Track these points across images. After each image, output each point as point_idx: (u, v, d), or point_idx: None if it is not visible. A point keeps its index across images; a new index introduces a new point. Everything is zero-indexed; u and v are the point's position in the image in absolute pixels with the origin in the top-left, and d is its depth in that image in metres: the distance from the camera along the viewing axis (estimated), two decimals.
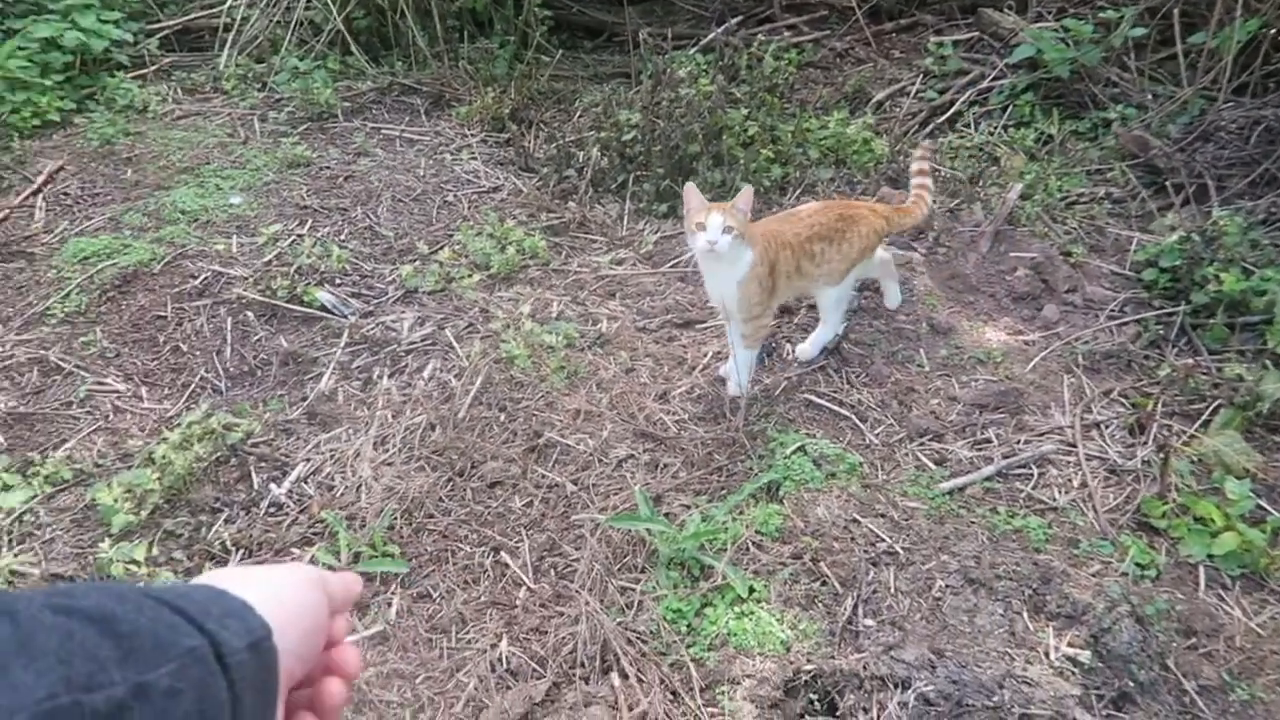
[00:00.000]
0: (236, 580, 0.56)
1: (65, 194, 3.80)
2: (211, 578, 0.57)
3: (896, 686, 1.91)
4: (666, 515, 2.32)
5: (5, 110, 4.18)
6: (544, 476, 2.50)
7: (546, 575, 2.25)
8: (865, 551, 2.22)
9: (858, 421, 2.64)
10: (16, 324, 3.06)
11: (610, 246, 3.56)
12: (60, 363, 2.90)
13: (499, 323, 3.04)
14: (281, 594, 0.58)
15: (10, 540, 2.35)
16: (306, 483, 2.53)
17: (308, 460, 2.59)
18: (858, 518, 2.30)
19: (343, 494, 2.48)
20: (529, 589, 2.22)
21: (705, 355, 2.91)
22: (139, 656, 0.46)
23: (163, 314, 3.11)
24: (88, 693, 0.43)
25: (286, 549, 2.33)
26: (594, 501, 2.42)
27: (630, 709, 1.91)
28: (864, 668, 1.94)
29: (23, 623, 0.43)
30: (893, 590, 2.13)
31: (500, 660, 2.06)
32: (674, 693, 1.96)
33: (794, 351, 2.88)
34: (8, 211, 3.64)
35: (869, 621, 2.06)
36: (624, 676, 1.98)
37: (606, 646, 2.03)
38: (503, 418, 2.69)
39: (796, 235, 2.56)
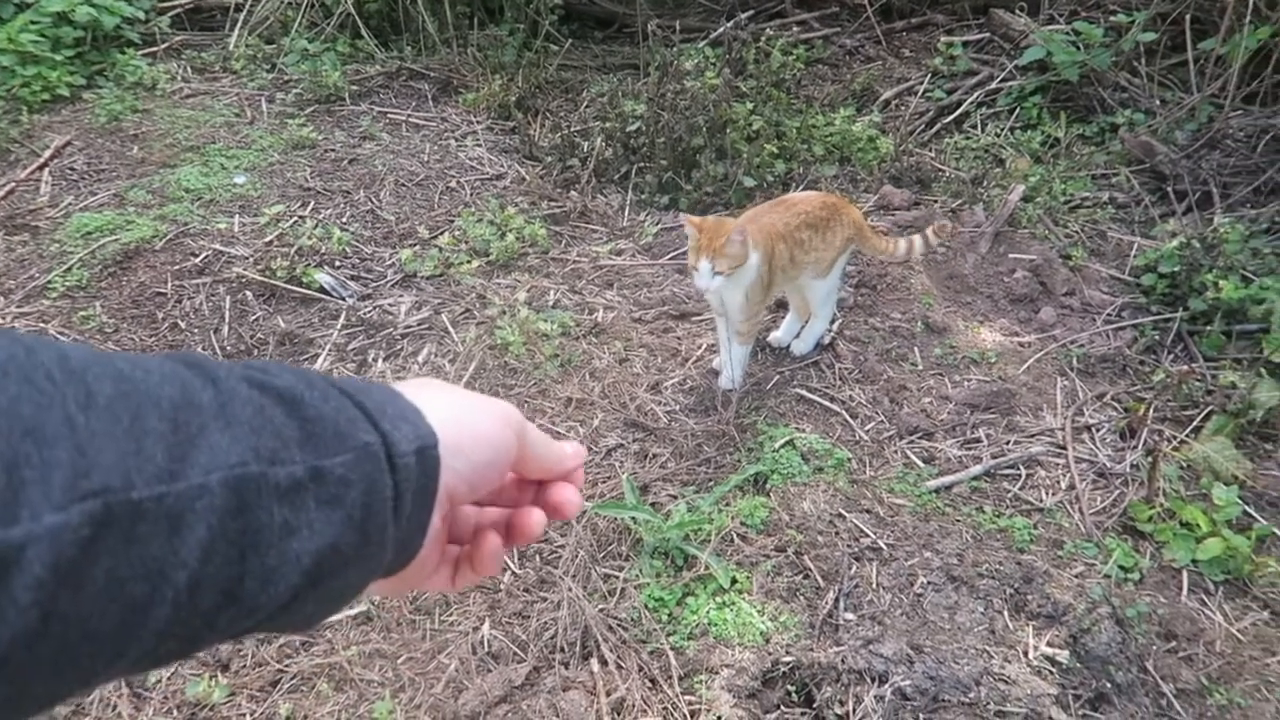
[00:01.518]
0: (425, 391, 0.56)
1: (71, 169, 3.82)
2: (404, 386, 0.57)
3: (874, 680, 1.92)
4: (653, 505, 2.34)
5: (15, 84, 4.20)
6: None
7: (531, 560, 2.26)
8: (849, 546, 2.22)
9: (848, 417, 2.64)
10: (18, 296, 3.08)
11: (610, 237, 3.57)
12: (59, 336, 2.92)
13: (495, 309, 3.05)
14: (464, 416, 0.57)
15: None
16: None
17: None
18: (843, 512, 2.31)
19: None
20: (513, 573, 2.23)
21: (699, 347, 2.91)
22: (319, 442, 0.48)
23: (163, 291, 3.13)
24: (272, 466, 0.45)
25: None
26: (582, 489, 2.42)
27: (608, 694, 1.92)
28: (842, 661, 1.95)
29: (222, 390, 0.45)
30: (874, 585, 2.13)
31: (482, 643, 2.07)
32: (652, 680, 1.97)
33: (790, 347, 2.88)
34: (14, 185, 3.66)
35: (849, 615, 2.07)
36: (603, 663, 1.99)
37: (587, 633, 2.04)
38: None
39: (787, 225, 2.55)
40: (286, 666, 2.03)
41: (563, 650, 2.02)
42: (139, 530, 0.39)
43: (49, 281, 3.13)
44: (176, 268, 3.23)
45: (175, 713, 1.95)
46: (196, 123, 4.19)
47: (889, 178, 3.93)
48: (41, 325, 2.94)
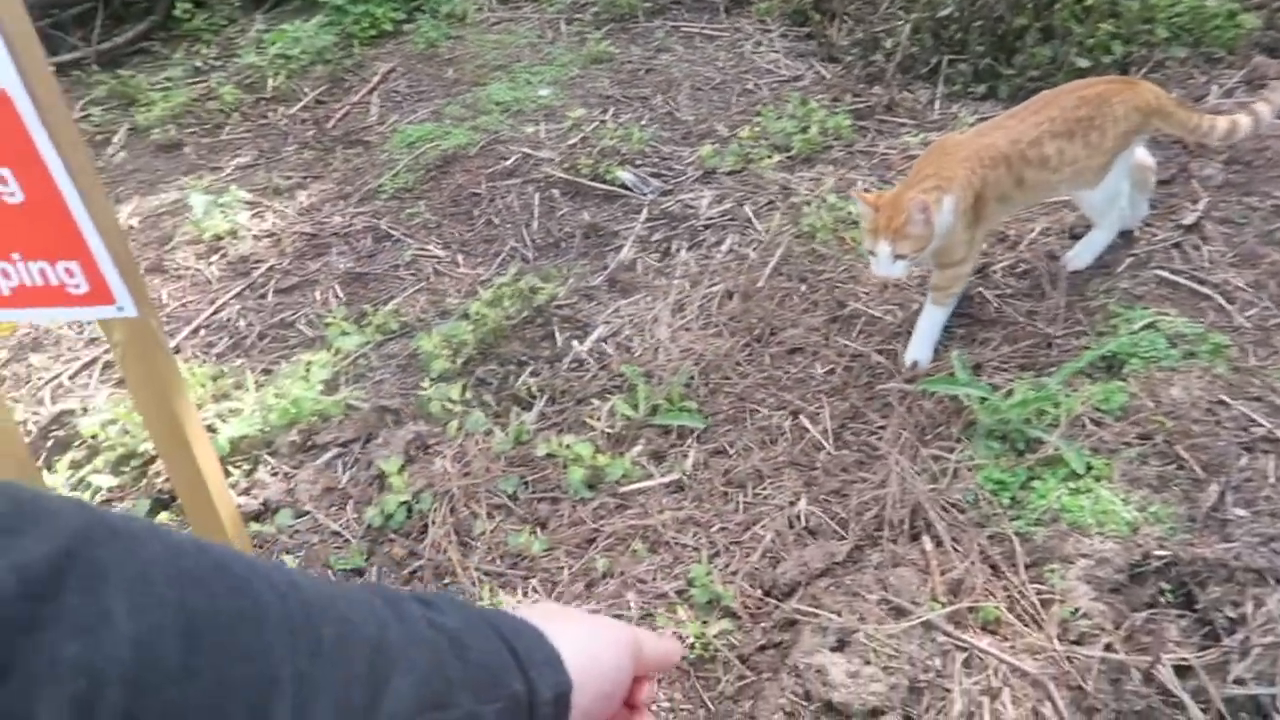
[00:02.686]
0: (556, 622, 0.58)
1: (396, 91, 4.10)
2: (533, 613, 0.59)
3: (1278, 582, 1.60)
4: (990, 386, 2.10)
5: (347, 22, 4.57)
6: (847, 345, 2.35)
7: (849, 442, 2.11)
8: (1235, 436, 1.88)
9: (1223, 302, 2.25)
10: (355, 199, 3.33)
11: (921, 129, 3.30)
12: (390, 231, 3.12)
13: (800, 198, 2.90)
14: (592, 650, 0.59)
15: (347, 379, 2.56)
16: (606, 343, 2.55)
17: (607, 323, 2.61)
18: (1225, 399, 1.95)
19: (641, 354, 2.47)
20: (829, 453, 2.09)
21: (1031, 230, 2.60)
22: (478, 686, 0.50)
23: (478, 191, 3.27)
24: (438, 710, 0.47)
25: (587, 399, 2.36)
26: (901, 372, 2.24)
27: (943, 574, 1.74)
28: (1235, 558, 1.64)
29: (409, 629, 0.48)
30: (1272, 480, 1.78)
31: (799, 518, 1.96)
32: (993, 566, 1.76)
33: (1062, 259, 2.43)
34: (349, 107, 3.98)
35: (1240, 511, 1.74)
36: (937, 543, 1.81)
37: (917, 512, 1.87)
38: (803, 288, 2.57)
39: (1015, 143, 2.11)
40: (601, 526, 2.02)
41: (891, 527, 1.85)
42: None
43: (380, 185, 3.36)
44: (489, 170, 3.36)
45: (499, 561, 2.00)
46: (503, 45, 4.35)
47: (1261, 49, 3.33)
48: (375, 221, 3.17)
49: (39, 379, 2.67)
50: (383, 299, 2.85)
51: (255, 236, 3.22)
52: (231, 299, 2.95)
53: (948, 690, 1.58)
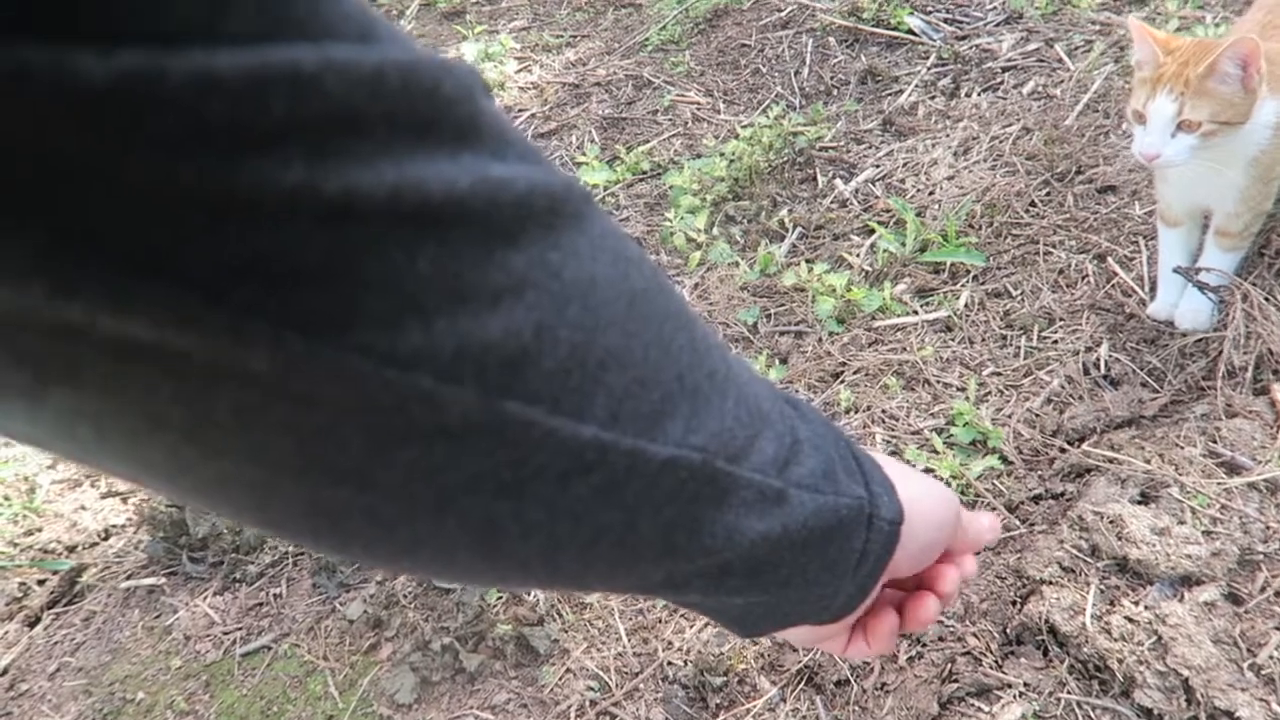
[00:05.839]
0: (888, 467, 0.55)
1: None
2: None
3: None
4: None
5: None
6: None
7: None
8: None
9: None
10: (619, 52, 3.21)
11: None
12: (651, 79, 2.97)
13: (1125, 32, 2.42)
14: (920, 497, 0.56)
15: None
16: (875, 184, 2.25)
17: (878, 166, 2.31)
18: None
19: (914, 196, 2.15)
20: (1142, 301, 1.69)
21: None
22: (830, 478, 0.48)
23: (747, 43, 3.03)
24: (797, 487, 0.45)
25: (846, 235, 2.09)
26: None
27: None
28: None
29: (779, 408, 0.46)
30: None
31: (1097, 364, 1.60)
32: None
33: None
34: None
35: None
36: None
37: (1265, 361, 1.45)
38: (1124, 126, 2.12)
39: None
40: (849, 361, 1.76)
41: (1228, 376, 1.45)
42: (702, 491, 0.39)
43: (646, 38, 3.21)
44: (761, 23, 3.11)
45: None
46: None
47: None
48: (638, 69, 3.03)
49: None
50: (638, 142, 2.70)
51: (520, 88, 3.19)
52: None
53: None
